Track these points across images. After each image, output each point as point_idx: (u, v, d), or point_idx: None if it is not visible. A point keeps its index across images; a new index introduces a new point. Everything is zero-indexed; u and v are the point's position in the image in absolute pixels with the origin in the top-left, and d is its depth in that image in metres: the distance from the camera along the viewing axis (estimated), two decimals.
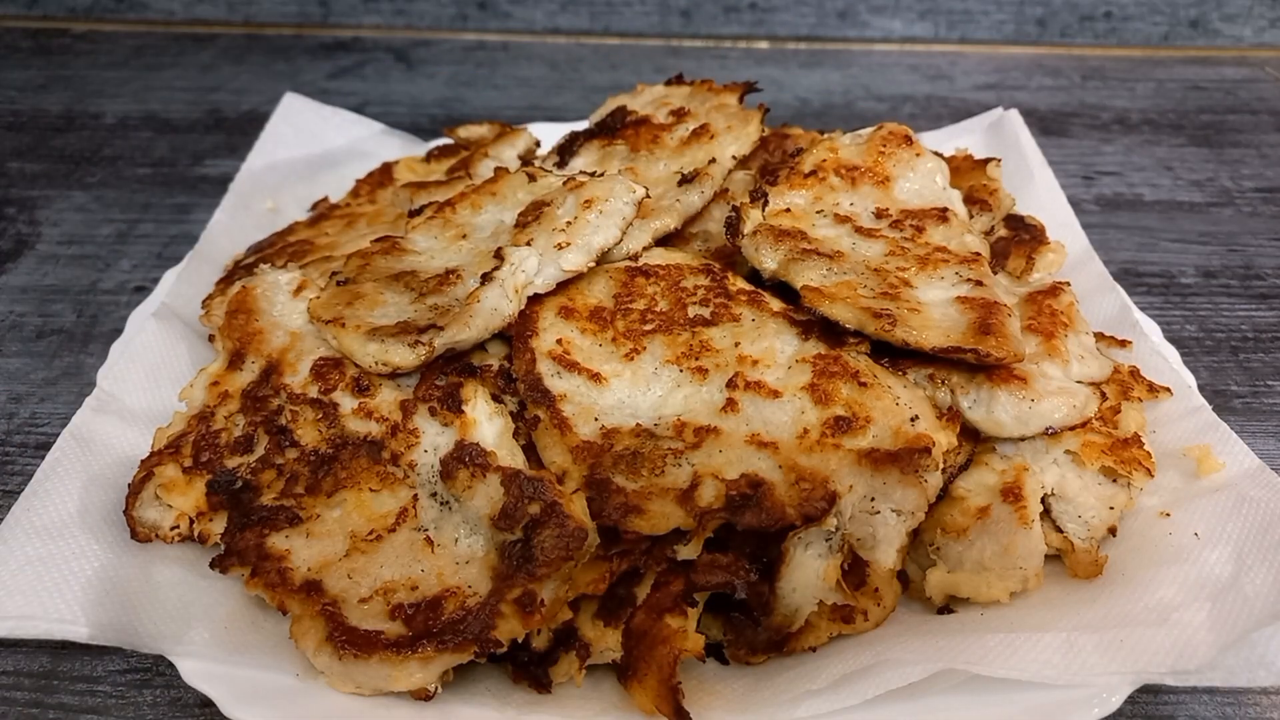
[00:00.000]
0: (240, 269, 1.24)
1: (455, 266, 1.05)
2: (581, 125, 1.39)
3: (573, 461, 0.86)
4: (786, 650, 0.83)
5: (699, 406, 0.90)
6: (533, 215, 1.07)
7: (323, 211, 1.39)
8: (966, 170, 1.24)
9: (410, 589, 0.81)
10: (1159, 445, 0.98)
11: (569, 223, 1.03)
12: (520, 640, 0.79)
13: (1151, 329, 1.13)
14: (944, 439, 0.87)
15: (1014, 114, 1.54)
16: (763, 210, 1.09)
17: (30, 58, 2.25)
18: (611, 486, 0.83)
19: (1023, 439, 0.92)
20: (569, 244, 1.01)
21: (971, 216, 1.14)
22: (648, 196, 1.07)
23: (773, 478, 0.82)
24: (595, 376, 0.94)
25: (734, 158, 1.19)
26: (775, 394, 0.90)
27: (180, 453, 0.94)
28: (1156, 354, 1.09)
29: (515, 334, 0.98)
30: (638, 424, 0.89)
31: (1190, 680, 0.74)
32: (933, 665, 0.76)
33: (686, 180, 1.13)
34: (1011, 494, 0.89)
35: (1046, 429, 0.90)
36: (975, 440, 0.95)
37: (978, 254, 1.03)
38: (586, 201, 1.04)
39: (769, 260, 1.02)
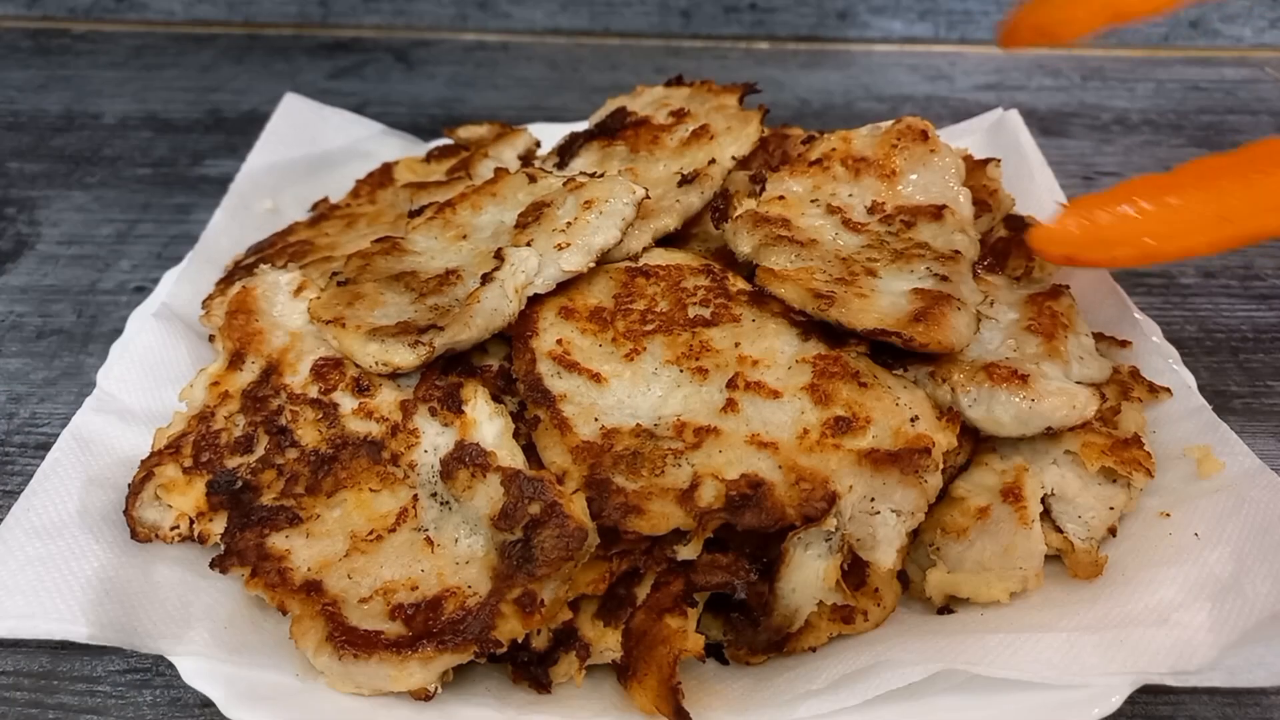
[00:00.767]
0: (240, 269, 1.24)
1: (455, 267, 1.05)
2: (581, 126, 1.39)
3: (573, 461, 0.86)
4: (786, 650, 0.83)
5: (699, 407, 0.90)
6: (533, 216, 1.07)
7: (323, 212, 1.39)
8: (966, 171, 1.24)
9: (410, 589, 0.81)
10: (1159, 445, 0.98)
11: (569, 223, 1.03)
12: (520, 640, 0.79)
13: (1151, 329, 1.13)
14: (944, 439, 0.87)
15: (1014, 114, 1.54)
16: (758, 196, 1.10)
17: (30, 58, 2.25)
18: (611, 486, 0.83)
19: (1023, 439, 0.92)
20: (569, 244, 1.01)
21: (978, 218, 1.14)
22: (648, 197, 1.07)
23: (773, 478, 0.82)
24: (595, 377, 0.94)
25: (734, 158, 1.19)
26: (775, 394, 0.90)
27: (180, 453, 0.94)
28: (1156, 354, 1.09)
29: (515, 334, 0.98)
30: (638, 424, 0.89)
31: (1190, 680, 0.74)
32: (933, 665, 0.76)
33: (686, 181, 1.13)
34: (1011, 494, 0.89)
35: (1047, 429, 0.90)
36: (975, 440, 0.95)
37: (957, 252, 1.03)
38: (587, 202, 1.04)
39: (744, 245, 1.05)
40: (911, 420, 0.87)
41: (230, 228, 1.36)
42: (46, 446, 0.97)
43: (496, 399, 0.94)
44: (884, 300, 0.96)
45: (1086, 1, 0.99)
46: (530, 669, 0.82)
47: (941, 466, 0.87)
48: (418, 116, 2.01)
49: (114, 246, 1.57)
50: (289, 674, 0.80)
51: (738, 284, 1.05)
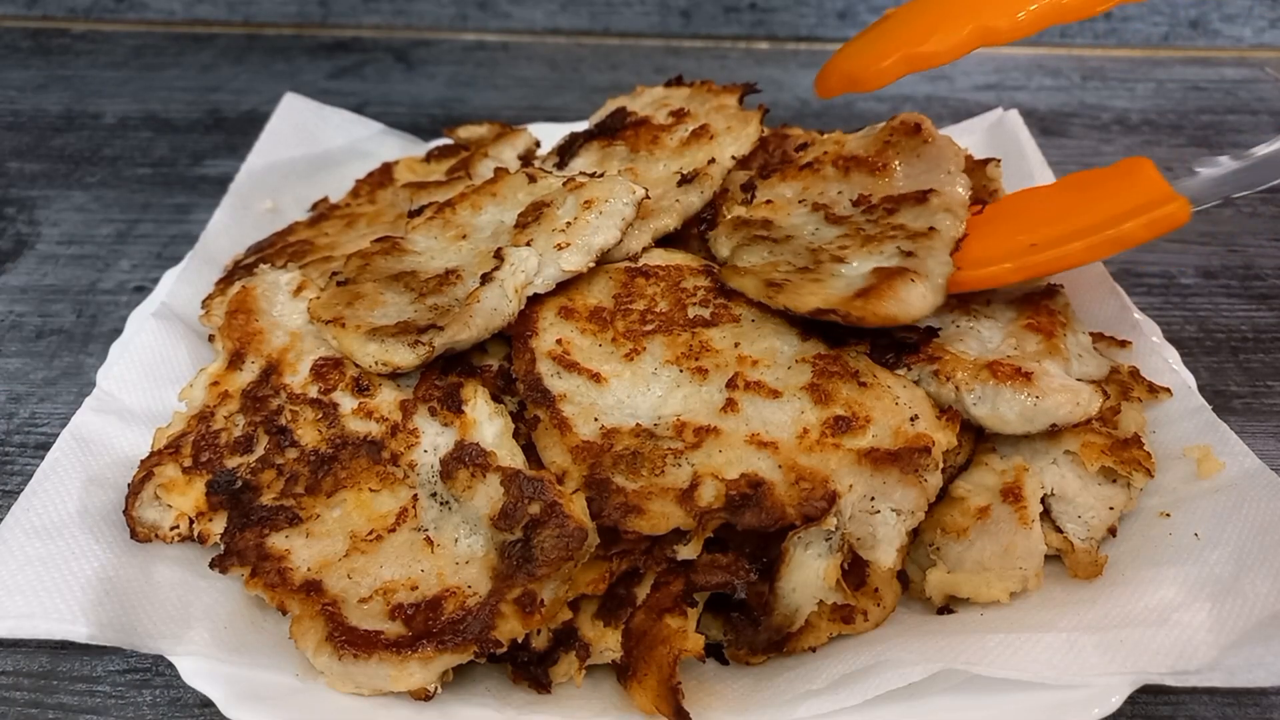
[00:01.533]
0: (240, 269, 1.24)
1: (455, 267, 1.05)
2: (581, 125, 1.39)
3: (573, 461, 0.86)
4: (786, 650, 0.83)
5: (699, 406, 0.90)
6: (533, 216, 1.07)
7: (323, 211, 1.39)
8: (966, 171, 1.24)
9: (410, 589, 0.81)
10: (1159, 445, 0.98)
11: (569, 223, 1.03)
12: (520, 640, 0.79)
13: (1151, 329, 1.13)
14: (944, 439, 0.87)
15: (1014, 114, 1.54)
16: (748, 203, 1.11)
17: (30, 58, 2.25)
18: (611, 486, 0.83)
19: (1023, 438, 0.92)
20: (569, 244, 1.01)
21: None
22: (648, 197, 1.07)
23: (773, 478, 0.82)
24: (595, 377, 0.94)
25: (734, 158, 1.19)
26: (775, 394, 0.90)
27: (180, 453, 0.94)
28: (1156, 354, 1.09)
29: (515, 334, 0.98)
30: (638, 424, 0.89)
31: (1190, 680, 0.74)
32: (933, 665, 0.76)
33: (686, 181, 1.13)
34: (1011, 494, 0.89)
35: (1051, 425, 0.90)
36: (975, 440, 0.95)
37: (931, 229, 1.00)
38: (586, 202, 1.04)
39: (723, 249, 1.07)
40: (911, 419, 0.87)
41: (230, 228, 1.36)
42: (46, 446, 0.97)
43: (496, 399, 0.94)
44: (839, 283, 0.95)
45: (888, 52, 1.01)
46: (530, 669, 0.82)
47: (941, 466, 0.87)
48: (418, 116, 2.01)
49: (114, 246, 1.57)
50: (289, 674, 0.80)
51: None
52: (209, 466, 0.93)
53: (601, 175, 1.10)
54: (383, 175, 1.44)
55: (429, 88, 2.16)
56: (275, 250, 1.27)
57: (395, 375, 0.96)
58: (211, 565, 0.86)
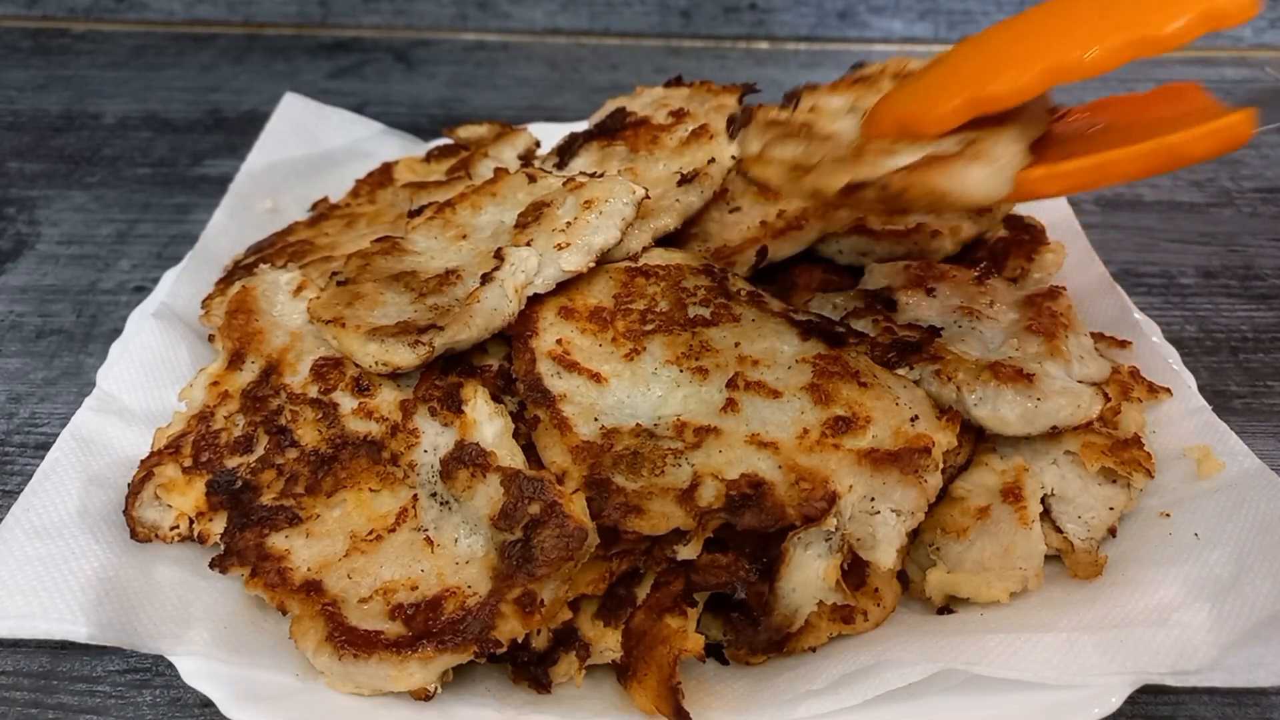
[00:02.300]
0: (240, 269, 1.24)
1: (455, 267, 1.05)
2: (581, 125, 1.39)
3: (573, 461, 0.86)
4: (786, 650, 0.83)
5: (699, 406, 0.90)
6: (533, 216, 1.07)
7: (323, 211, 1.39)
8: None
9: (410, 589, 0.81)
10: (1159, 446, 0.98)
11: (569, 223, 1.03)
12: (520, 640, 0.79)
13: (1151, 329, 1.13)
14: (944, 439, 0.87)
15: None
16: (793, 109, 1.00)
17: (30, 58, 2.25)
18: (611, 486, 0.83)
19: (1024, 439, 0.92)
20: (569, 244, 1.01)
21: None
22: (648, 197, 1.07)
23: (773, 478, 0.82)
24: (595, 376, 0.94)
25: (734, 158, 1.19)
26: (775, 394, 0.90)
27: (180, 453, 0.94)
28: (1156, 354, 1.09)
29: (515, 334, 0.98)
30: (638, 424, 0.89)
31: (1190, 680, 0.74)
32: (933, 665, 0.76)
33: (686, 180, 1.13)
34: (1011, 494, 0.89)
35: (1052, 428, 0.90)
36: (975, 440, 0.95)
37: (974, 140, 0.88)
38: (586, 202, 1.04)
39: (752, 144, 0.96)
40: (911, 420, 0.87)
41: (230, 228, 1.36)
42: (46, 446, 0.97)
43: (496, 399, 0.94)
44: (885, 162, 0.84)
45: (951, 94, 0.85)
46: (530, 669, 0.82)
47: (941, 466, 0.87)
48: (418, 116, 2.01)
49: (114, 246, 1.57)
50: (289, 674, 0.80)
51: (738, 284, 1.05)
52: (209, 466, 0.93)
53: (601, 175, 1.10)
54: (383, 175, 1.44)
55: (429, 88, 2.16)
56: (275, 250, 1.26)
57: (395, 375, 0.96)
58: (211, 565, 0.86)
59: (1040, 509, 0.90)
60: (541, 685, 0.82)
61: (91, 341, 1.36)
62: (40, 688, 0.90)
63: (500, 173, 1.20)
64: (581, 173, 1.14)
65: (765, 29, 2.39)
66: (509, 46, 2.36)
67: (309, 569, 0.83)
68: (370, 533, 0.86)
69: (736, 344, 0.96)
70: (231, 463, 0.93)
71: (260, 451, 0.94)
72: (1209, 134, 0.78)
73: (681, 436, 0.87)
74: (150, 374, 1.08)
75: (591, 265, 1.02)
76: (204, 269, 1.26)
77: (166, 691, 0.89)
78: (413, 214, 1.20)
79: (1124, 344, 1.11)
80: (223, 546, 0.88)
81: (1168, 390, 1.03)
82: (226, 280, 1.20)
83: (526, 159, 1.37)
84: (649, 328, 0.99)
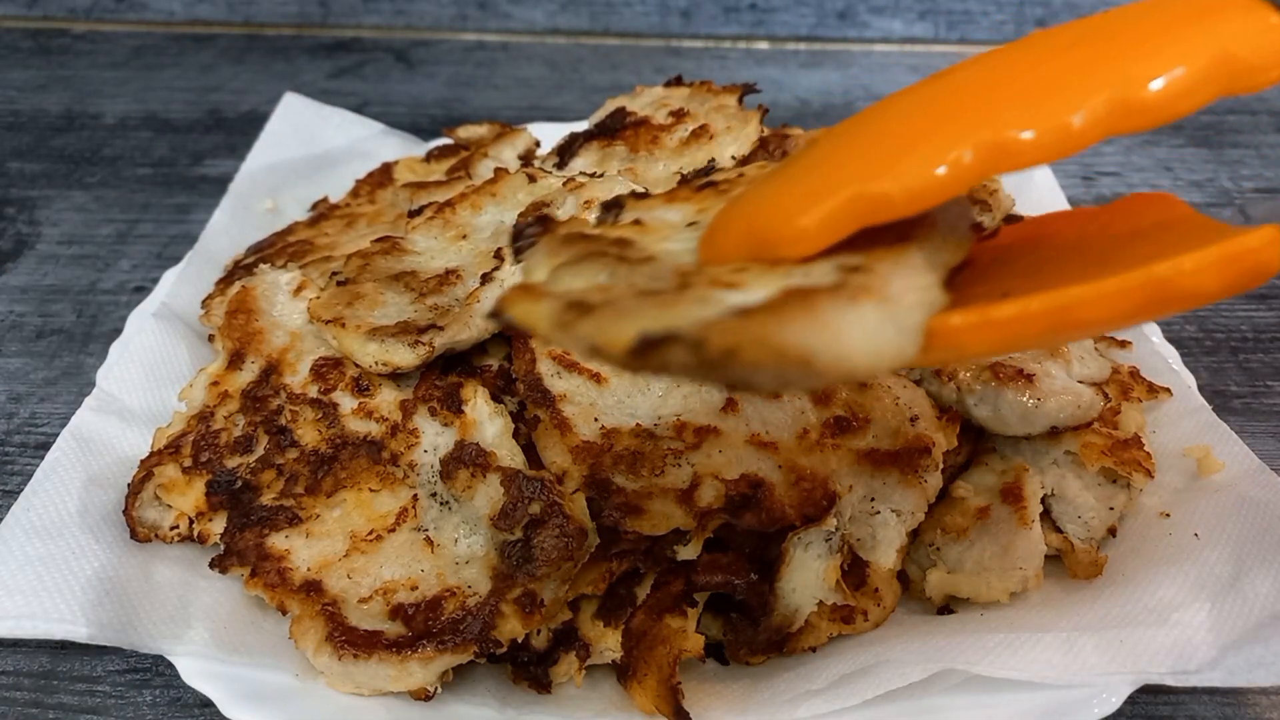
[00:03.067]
0: (240, 269, 1.23)
1: (455, 266, 1.05)
2: (581, 126, 1.39)
3: (573, 461, 0.86)
4: (786, 650, 0.83)
5: (699, 406, 0.90)
6: (533, 215, 1.07)
7: (323, 211, 1.39)
8: None
9: (410, 589, 0.81)
10: (1159, 446, 0.98)
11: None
12: (520, 640, 0.79)
13: (1151, 329, 1.13)
14: (943, 439, 0.87)
15: None
16: (611, 221, 0.71)
17: (30, 58, 2.24)
18: (611, 486, 0.83)
19: (1024, 439, 0.92)
20: None
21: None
22: None
23: (773, 478, 0.82)
24: (595, 376, 0.94)
25: (733, 158, 1.19)
26: (775, 394, 0.90)
27: (180, 453, 0.94)
28: (1156, 354, 1.09)
29: (515, 334, 0.98)
30: (638, 424, 0.89)
31: (1190, 680, 0.74)
32: (933, 665, 0.76)
33: (686, 181, 1.13)
34: (1011, 494, 0.89)
35: (1051, 428, 0.90)
36: (975, 440, 0.95)
37: (858, 267, 0.69)
38: (586, 202, 1.04)
39: (538, 270, 0.64)
40: (911, 420, 0.87)
41: (230, 228, 1.36)
42: (46, 446, 0.97)
43: (496, 399, 0.94)
44: (706, 309, 0.48)
45: (819, 199, 0.54)
46: (530, 669, 0.82)
47: (941, 466, 0.87)
48: (418, 116, 2.01)
49: (114, 246, 1.57)
50: (288, 674, 0.80)
51: None
52: (209, 466, 0.93)
53: (601, 175, 1.10)
54: (383, 175, 1.44)
55: (429, 88, 2.16)
56: (275, 250, 1.26)
57: (395, 375, 0.96)
58: (211, 565, 0.86)
59: (1040, 509, 0.90)
60: (541, 685, 0.82)
61: (91, 341, 1.35)
62: (40, 688, 0.90)
63: (500, 173, 1.20)
64: (581, 173, 1.14)
65: (765, 29, 2.39)
66: (509, 46, 2.36)
67: (309, 569, 0.83)
68: (370, 533, 0.86)
69: None
70: (231, 463, 0.93)
71: (260, 451, 0.94)
72: (1222, 262, 0.52)
73: (681, 436, 0.87)
74: (150, 374, 1.08)
75: None
76: (204, 269, 1.26)
77: (166, 691, 0.89)
78: (413, 214, 1.20)
79: (1124, 344, 1.11)
80: (223, 546, 0.88)
81: (1168, 390, 1.03)
82: (226, 280, 1.20)
83: (526, 159, 1.37)
84: None
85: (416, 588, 0.81)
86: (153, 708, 0.88)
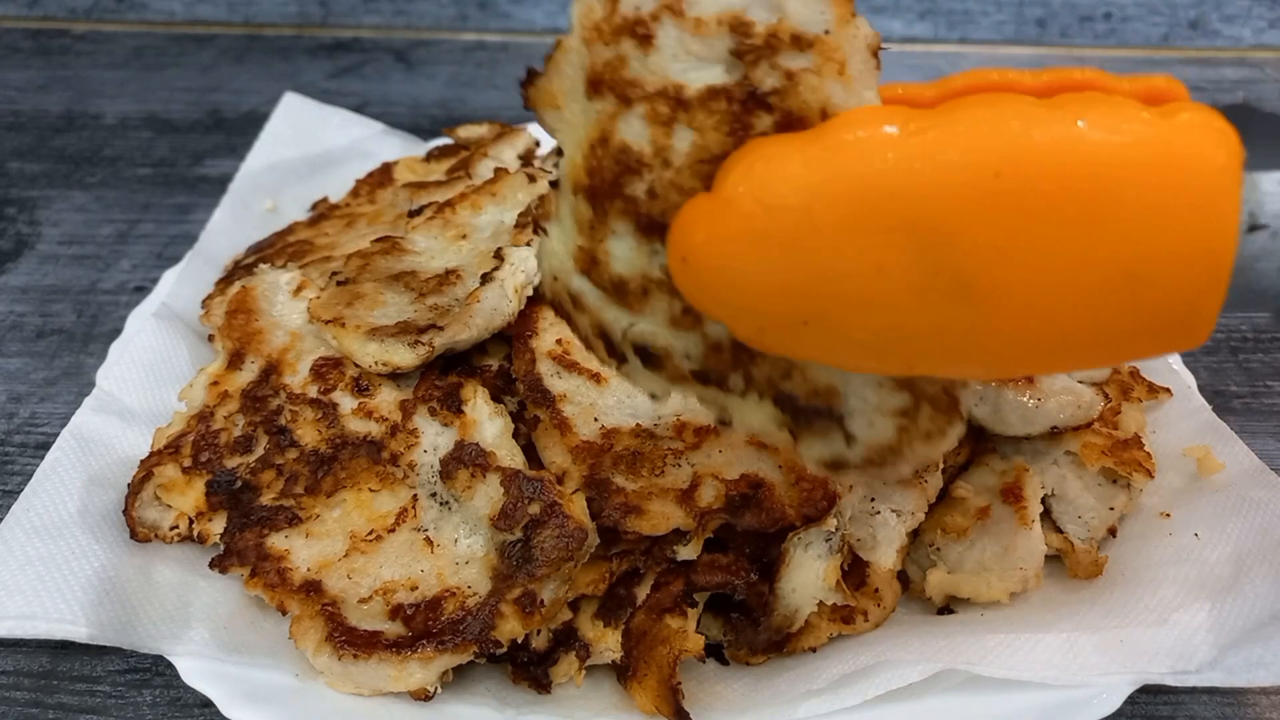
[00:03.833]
0: (240, 269, 1.23)
1: (455, 266, 1.05)
2: None
3: (573, 461, 0.86)
4: (786, 651, 0.83)
5: (699, 406, 0.90)
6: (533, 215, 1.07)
7: (323, 211, 1.39)
8: None
9: (410, 589, 0.81)
10: (1159, 446, 0.98)
11: None
12: (520, 640, 0.79)
13: None
14: None
15: None
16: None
17: (31, 58, 2.25)
18: (611, 486, 0.83)
19: (1024, 439, 0.92)
20: None
21: None
22: None
23: (773, 478, 0.82)
24: (595, 377, 0.94)
25: None
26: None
27: (180, 453, 0.94)
28: None
29: (515, 334, 0.98)
30: (638, 424, 0.89)
31: (1190, 680, 0.74)
32: (933, 665, 0.76)
33: None
34: (1012, 494, 0.89)
35: (1052, 428, 0.90)
36: (975, 440, 0.95)
37: None
38: None
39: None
40: None
41: (230, 228, 1.36)
42: (46, 446, 0.97)
43: (496, 399, 0.94)
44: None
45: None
46: (530, 669, 0.82)
47: (942, 466, 0.87)
48: (418, 116, 2.01)
49: (114, 246, 1.57)
50: (288, 674, 0.80)
51: None
52: (209, 466, 0.93)
53: None
54: (383, 175, 1.44)
55: (429, 88, 2.16)
56: (275, 250, 1.26)
57: (395, 375, 0.96)
58: (211, 565, 0.86)
59: (1040, 509, 0.90)
60: (541, 685, 0.82)
61: (91, 341, 1.35)
62: (40, 688, 0.90)
63: (500, 173, 1.20)
64: None
65: None
66: (509, 46, 2.36)
67: (309, 569, 0.83)
68: (370, 533, 0.86)
69: None
70: (231, 463, 0.93)
71: (260, 451, 0.94)
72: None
73: (681, 436, 0.87)
74: (150, 374, 1.08)
75: None
76: (204, 269, 1.26)
77: (166, 691, 0.89)
78: (413, 214, 1.20)
79: None
80: (222, 546, 0.88)
81: (1168, 390, 1.03)
82: (226, 280, 1.20)
83: (526, 159, 1.37)
84: None
85: (416, 588, 0.81)
86: (153, 708, 0.88)
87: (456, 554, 0.83)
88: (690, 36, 0.56)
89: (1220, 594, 0.80)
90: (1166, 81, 0.54)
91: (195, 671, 0.78)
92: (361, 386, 0.96)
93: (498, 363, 1.00)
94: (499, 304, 0.95)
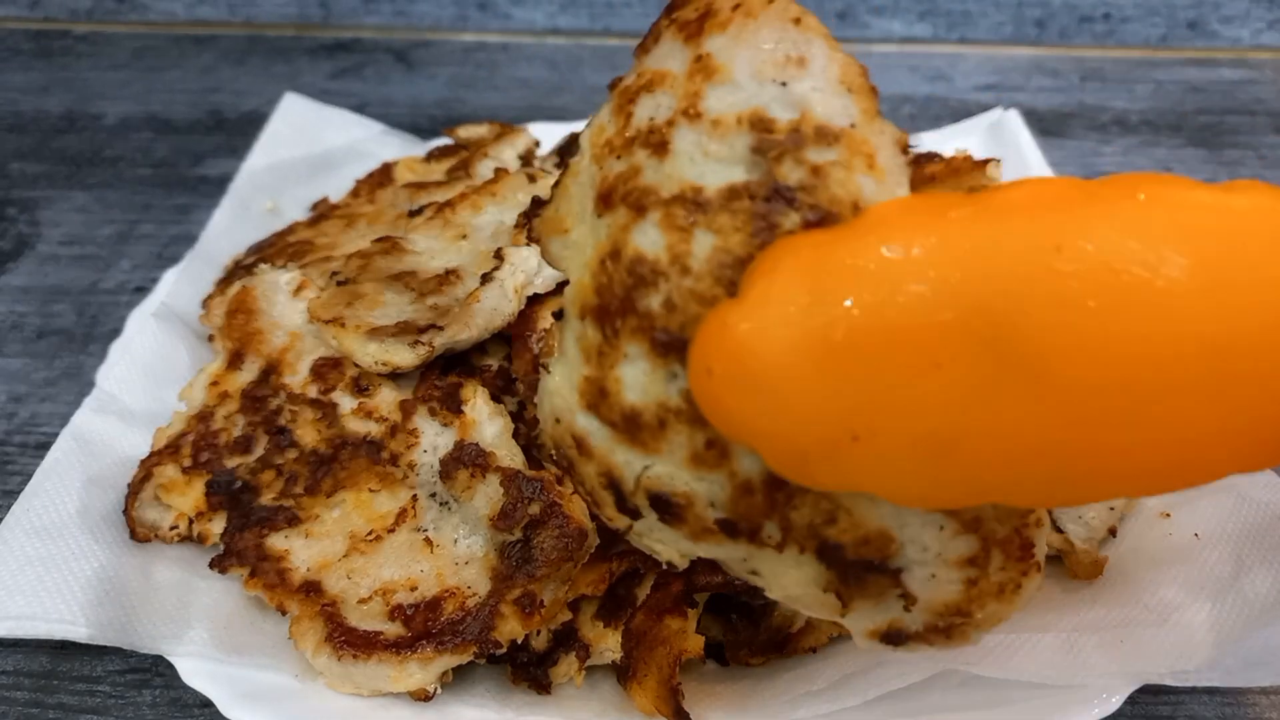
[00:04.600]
0: (240, 269, 1.24)
1: (455, 266, 1.05)
2: (581, 126, 1.39)
3: None
4: (786, 651, 0.83)
5: None
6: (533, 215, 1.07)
7: (323, 211, 1.39)
8: (966, 170, 1.24)
9: (410, 589, 0.81)
10: None
11: None
12: (520, 641, 0.79)
13: None
14: None
15: (1014, 114, 1.54)
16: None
17: (32, 59, 2.25)
18: None
19: None
20: None
21: None
22: None
23: None
24: None
25: None
26: None
27: (180, 453, 0.94)
28: None
29: (515, 334, 0.98)
30: None
31: (1190, 680, 0.74)
32: (932, 665, 0.76)
33: None
34: None
35: None
36: None
37: None
38: None
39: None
40: None
41: (230, 228, 1.36)
42: (46, 446, 0.97)
43: (496, 399, 0.94)
44: None
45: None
46: (530, 669, 0.82)
47: None
48: (418, 116, 2.01)
49: (114, 247, 1.57)
50: (288, 674, 0.80)
51: None
52: (209, 467, 0.93)
53: None
54: (383, 175, 1.44)
55: (429, 88, 2.16)
56: (275, 250, 1.26)
57: (395, 375, 0.96)
58: (211, 565, 0.86)
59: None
60: (541, 686, 0.82)
61: (92, 341, 1.36)
62: (40, 688, 0.90)
63: (500, 173, 1.20)
64: None
65: None
66: (509, 47, 2.36)
67: (308, 569, 0.83)
68: (370, 533, 0.86)
69: None
70: (231, 463, 0.93)
71: (260, 452, 0.94)
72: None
73: None
74: (150, 374, 1.08)
75: None
76: (204, 269, 1.26)
77: (166, 691, 0.89)
78: (413, 214, 1.20)
79: None
80: (222, 546, 0.88)
81: None
82: (226, 280, 1.20)
83: (526, 159, 1.37)
84: None
85: (416, 588, 0.81)
86: (153, 708, 0.88)
87: (456, 554, 0.83)
88: (708, 138, 0.53)
89: (1220, 594, 0.80)
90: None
91: (195, 672, 0.79)
92: (361, 386, 0.96)
93: (498, 363, 1.00)
94: (499, 304, 0.95)
